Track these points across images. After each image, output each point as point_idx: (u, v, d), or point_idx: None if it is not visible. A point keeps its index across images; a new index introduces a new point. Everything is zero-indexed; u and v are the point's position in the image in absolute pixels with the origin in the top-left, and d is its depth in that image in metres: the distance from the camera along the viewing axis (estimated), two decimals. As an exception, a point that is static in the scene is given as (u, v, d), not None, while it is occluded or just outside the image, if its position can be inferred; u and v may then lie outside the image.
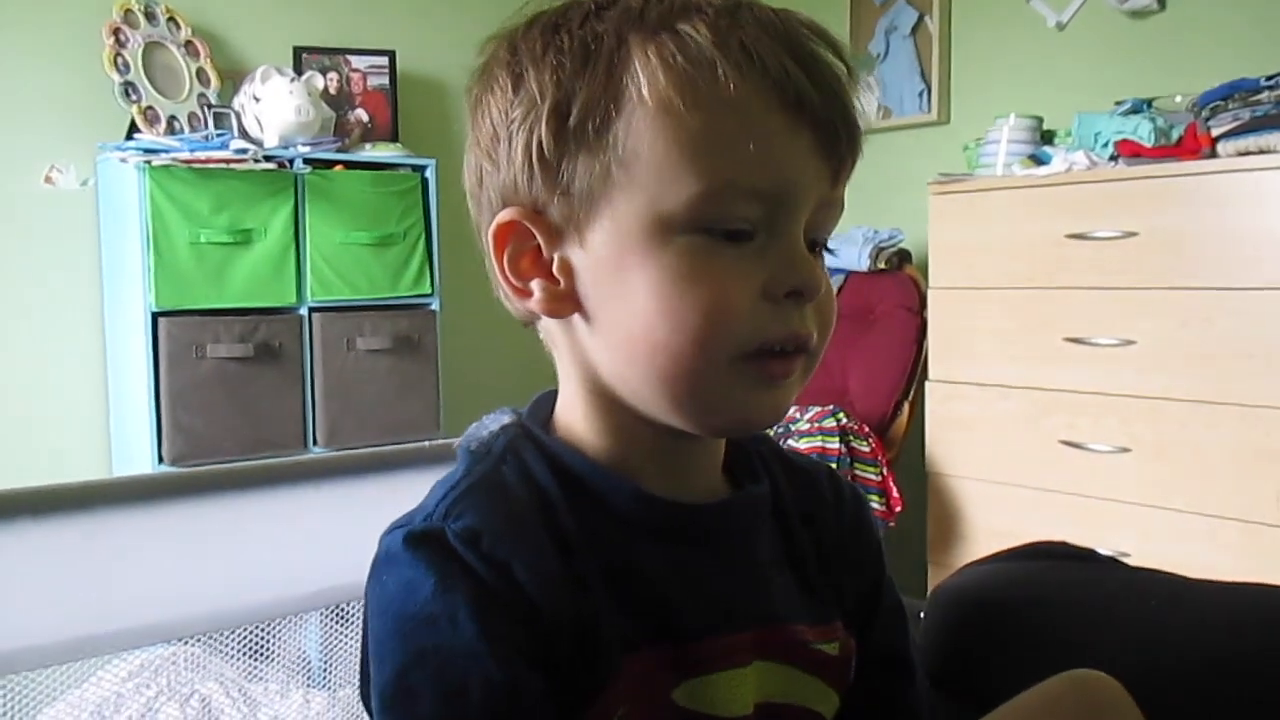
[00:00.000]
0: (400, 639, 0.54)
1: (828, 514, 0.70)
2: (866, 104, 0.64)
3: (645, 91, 0.55)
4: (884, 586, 0.73)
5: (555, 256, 0.59)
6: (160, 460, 2.54)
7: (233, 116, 2.78)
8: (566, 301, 0.60)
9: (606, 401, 0.61)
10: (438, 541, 0.55)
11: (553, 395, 0.66)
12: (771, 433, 0.74)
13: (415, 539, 0.55)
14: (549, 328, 0.63)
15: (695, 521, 0.62)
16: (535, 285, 0.60)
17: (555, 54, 0.58)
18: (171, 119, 2.76)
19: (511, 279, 0.61)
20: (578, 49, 0.57)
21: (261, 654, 1.19)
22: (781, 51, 0.56)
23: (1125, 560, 1.19)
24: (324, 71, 2.99)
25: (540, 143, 0.57)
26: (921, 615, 1.00)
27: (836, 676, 0.66)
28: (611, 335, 0.59)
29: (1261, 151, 2.22)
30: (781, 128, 0.56)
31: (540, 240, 0.59)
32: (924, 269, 2.83)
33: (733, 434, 0.64)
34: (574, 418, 0.63)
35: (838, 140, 0.57)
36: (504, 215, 0.60)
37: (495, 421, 0.64)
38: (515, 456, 0.61)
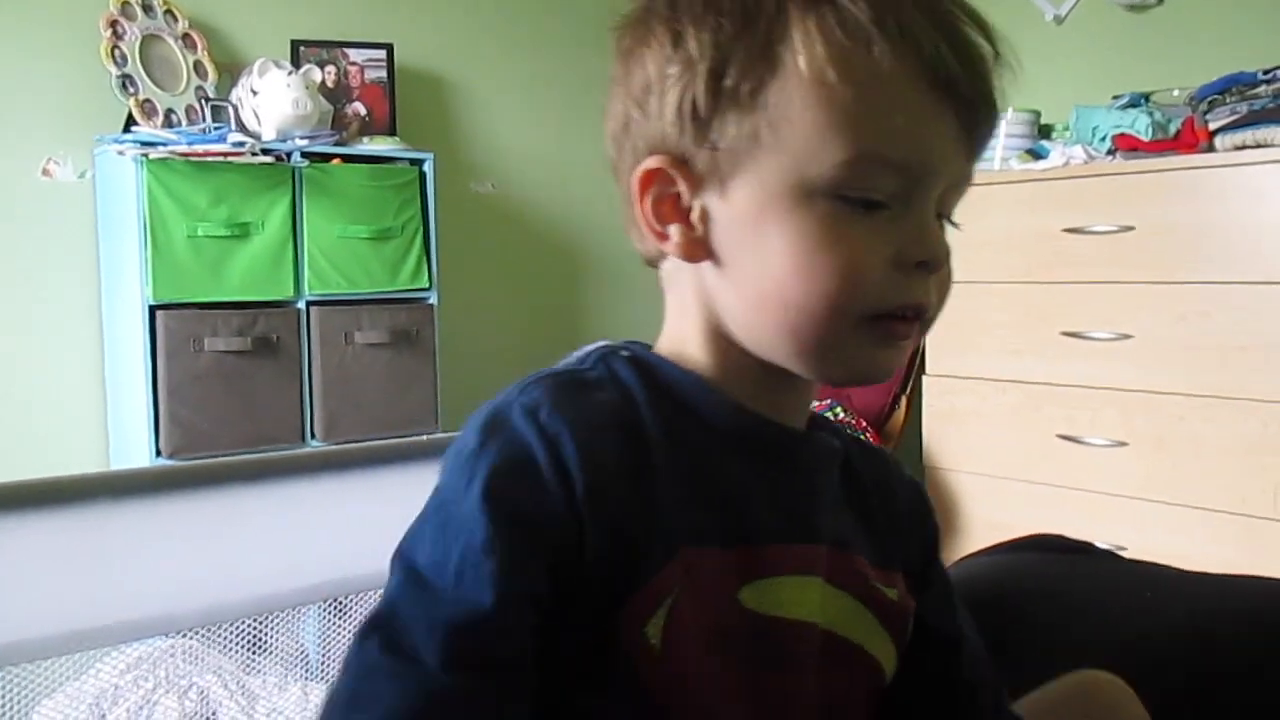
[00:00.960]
0: (434, 493, 0.59)
1: (892, 485, 0.74)
2: (1009, 85, 0.68)
3: (801, 61, 0.58)
4: (934, 566, 0.75)
5: (695, 204, 0.62)
6: (158, 454, 2.54)
7: (230, 109, 2.78)
8: (701, 247, 0.63)
9: (722, 340, 0.64)
10: (500, 414, 0.59)
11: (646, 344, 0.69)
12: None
13: (485, 412, 0.60)
14: (673, 269, 0.66)
15: (782, 440, 0.66)
16: (673, 229, 0.63)
17: (715, 15, 0.60)
18: (169, 112, 2.75)
19: (651, 221, 0.64)
20: (738, 13, 0.59)
21: (259, 647, 1.19)
22: (934, 32, 0.58)
23: (1122, 553, 1.19)
24: (321, 65, 2.98)
25: (695, 100, 0.60)
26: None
27: (895, 625, 0.68)
28: (743, 284, 0.62)
29: (1259, 145, 2.22)
30: (928, 105, 0.58)
31: (682, 188, 0.62)
32: (922, 263, 2.83)
33: (849, 384, 0.66)
34: (679, 349, 0.66)
35: (979, 121, 0.60)
36: (650, 162, 0.63)
37: (589, 348, 0.67)
38: (603, 363, 0.64)
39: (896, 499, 0.73)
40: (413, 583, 0.55)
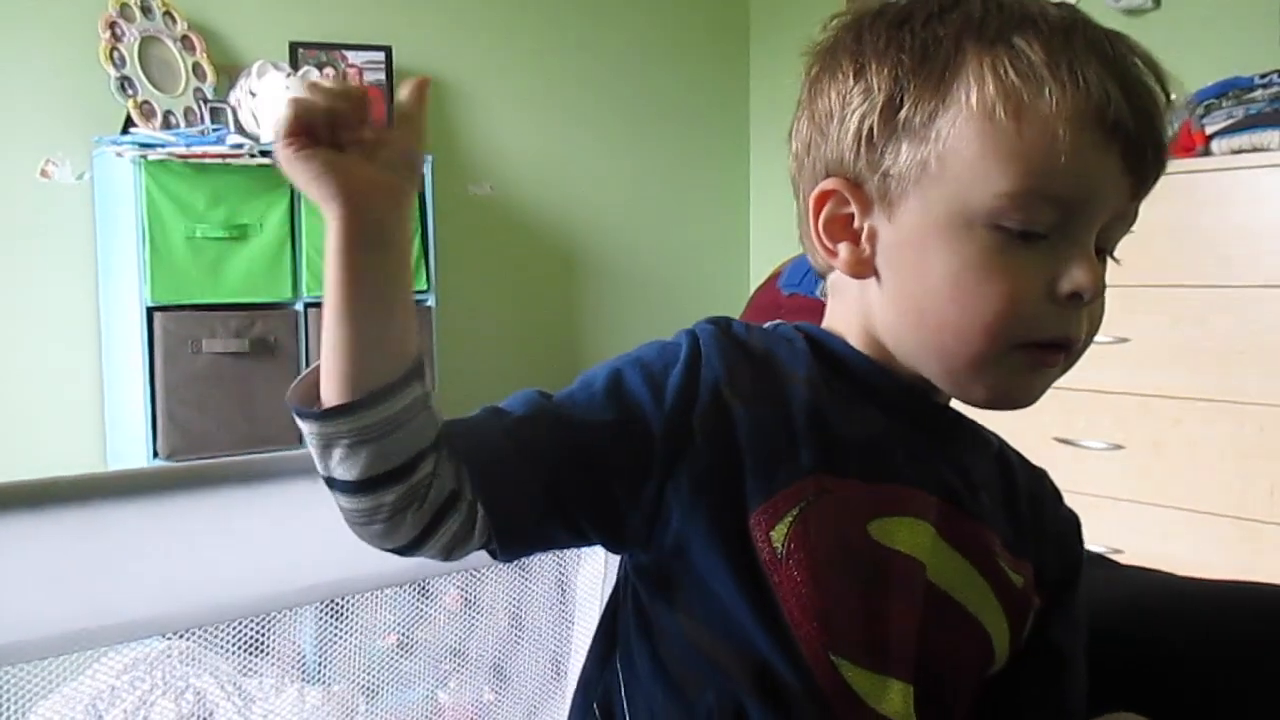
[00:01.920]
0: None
1: (1046, 503, 0.78)
2: (1178, 124, 0.73)
3: (973, 97, 0.62)
4: (1074, 592, 0.77)
5: (865, 225, 0.67)
6: (155, 455, 2.54)
7: (229, 111, 2.78)
8: (867, 266, 0.68)
9: (878, 346, 0.70)
10: (671, 337, 0.69)
11: None
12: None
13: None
14: (839, 281, 0.72)
15: (928, 406, 0.71)
16: (842, 248, 0.68)
17: (897, 50, 0.65)
18: (167, 113, 2.75)
19: (824, 238, 0.69)
20: (918, 49, 0.64)
21: (256, 649, 1.19)
22: (1107, 75, 0.61)
23: (1118, 557, 1.20)
24: (320, 67, 2.98)
25: (872, 128, 0.65)
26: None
27: (1015, 608, 0.70)
28: (902, 302, 0.67)
29: (1255, 149, 2.22)
30: (1093, 145, 0.61)
31: (855, 209, 0.67)
32: (919, 266, 2.83)
33: (988, 406, 0.69)
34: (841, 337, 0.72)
35: (1145, 163, 0.64)
36: (827, 184, 0.68)
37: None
38: (774, 327, 0.72)
39: (1047, 513, 0.77)
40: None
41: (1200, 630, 0.96)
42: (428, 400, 0.62)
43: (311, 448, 0.62)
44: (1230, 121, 2.31)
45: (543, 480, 0.63)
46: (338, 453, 0.60)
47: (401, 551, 0.64)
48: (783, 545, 0.63)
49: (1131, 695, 0.84)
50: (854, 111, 0.65)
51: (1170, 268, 2.30)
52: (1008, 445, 0.78)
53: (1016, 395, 0.67)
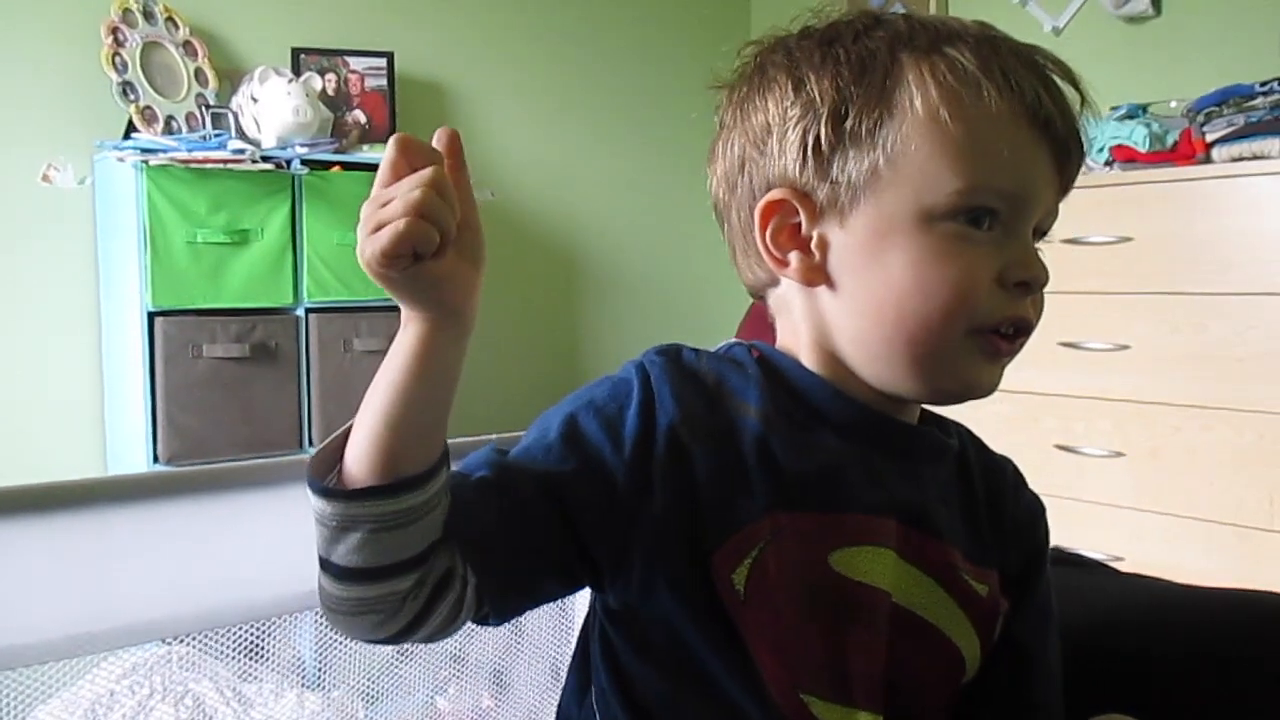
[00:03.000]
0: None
1: (1006, 496, 0.79)
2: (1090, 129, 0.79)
3: (917, 103, 0.65)
4: (1038, 585, 0.78)
5: (814, 233, 0.69)
6: (155, 460, 2.54)
7: (230, 117, 2.78)
8: (819, 273, 0.69)
9: (832, 360, 0.71)
10: (622, 370, 0.70)
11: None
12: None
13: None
14: (786, 294, 0.73)
15: (885, 426, 0.71)
16: (793, 256, 0.70)
17: (834, 64, 0.67)
18: (169, 119, 2.75)
19: (772, 249, 0.70)
20: (855, 62, 0.67)
21: (255, 654, 1.19)
22: (1034, 79, 0.66)
23: (1118, 564, 1.20)
24: (322, 72, 2.99)
25: (818, 137, 0.67)
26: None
27: (982, 619, 0.72)
28: (861, 304, 0.68)
29: (1256, 157, 2.23)
30: (1029, 142, 0.66)
31: (803, 218, 0.69)
32: (920, 273, 2.83)
33: (954, 400, 0.71)
34: (794, 356, 0.72)
35: (1070, 157, 0.68)
36: (774, 194, 0.69)
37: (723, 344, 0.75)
38: (727, 350, 0.73)
39: (1006, 507, 0.78)
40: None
41: (1198, 637, 0.96)
42: (448, 484, 0.62)
43: (322, 528, 0.59)
44: (1231, 129, 2.31)
45: (529, 538, 0.64)
46: (355, 537, 0.58)
47: (386, 640, 0.63)
48: (744, 587, 0.64)
49: (1130, 700, 0.84)
50: (795, 124, 0.67)
51: (1170, 275, 2.30)
52: (970, 438, 0.79)
53: (977, 382, 0.69)
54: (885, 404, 0.71)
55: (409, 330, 0.59)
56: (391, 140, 0.56)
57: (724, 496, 0.65)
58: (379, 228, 0.54)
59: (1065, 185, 0.69)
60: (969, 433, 0.80)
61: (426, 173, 0.55)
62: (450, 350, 0.60)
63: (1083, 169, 0.72)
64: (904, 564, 0.69)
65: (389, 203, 0.55)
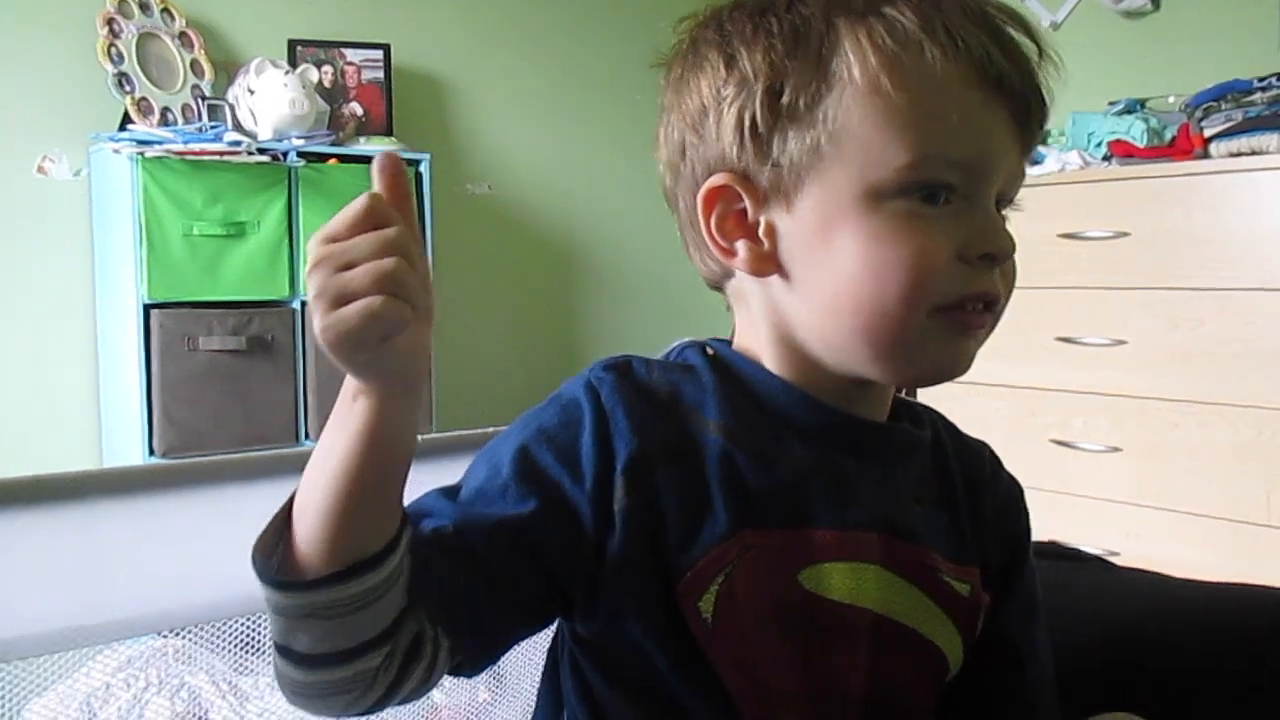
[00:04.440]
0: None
1: (985, 482, 0.74)
2: (1055, 80, 0.69)
3: (855, 72, 0.60)
4: (1021, 575, 0.74)
5: (761, 219, 0.64)
6: (151, 452, 2.54)
7: (227, 109, 2.78)
8: (769, 262, 0.64)
9: (793, 351, 0.66)
10: (569, 387, 0.65)
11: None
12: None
13: (562, 387, 0.66)
14: (741, 286, 0.68)
15: (851, 428, 0.66)
16: (740, 245, 0.64)
17: (766, 36, 0.62)
18: (165, 110, 2.75)
19: (718, 238, 0.65)
20: (788, 32, 0.61)
21: (251, 647, 1.19)
22: (981, 33, 0.60)
23: (1115, 559, 1.20)
24: (319, 64, 2.98)
25: (754, 117, 0.61)
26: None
27: (964, 618, 0.68)
28: (814, 293, 0.63)
29: (1254, 152, 2.22)
30: (981, 103, 0.60)
31: (748, 204, 0.64)
32: (917, 267, 2.83)
33: (926, 383, 0.67)
34: (753, 357, 0.68)
35: (1030, 115, 0.62)
36: (715, 180, 0.64)
37: (676, 343, 0.70)
38: (683, 354, 0.69)
39: (986, 496, 0.73)
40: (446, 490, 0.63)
41: (1195, 632, 0.96)
42: (409, 546, 0.56)
43: (279, 617, 0.54)
44: (1229, 124, 2.31)
45: (499, 592, 0.60)
46: (317, 625, 0.53)
47: (361, 714, 0.58)
48: (712, 613, 0.61)
49: (1126, 695, 0.84)
50: (730, 104, 0.62)
51: (1168, 270, 2.30)
52: (944, 425, 0.74)
53: (947, 363, 0.64)
54: (854, 398, 0.66)
55: (359, 406, 0.51)
56: (365, 197, 0.49)
57: (688, 522, 0.61)
58: (342, 301, 0.47)
59: (1027, 146, 0.63)
60: (942, 419, 0.75)
61: (391, 233, 0.48)
62: (408, 419, 0.52)
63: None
64: (885, 573, 0.65)
65: (350, 266, 0.47)
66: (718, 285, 0.70)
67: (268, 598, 0.53)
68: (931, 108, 0.59)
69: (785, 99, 0.61)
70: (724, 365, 0.67)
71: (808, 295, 0.63)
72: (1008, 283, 0.64)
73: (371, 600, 0.54)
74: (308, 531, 0.53)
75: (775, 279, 0.65)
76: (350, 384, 0.51)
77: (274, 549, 0.53)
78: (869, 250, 0.60)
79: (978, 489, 0.73)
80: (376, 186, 0.50)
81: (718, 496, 0.62)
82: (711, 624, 0.61)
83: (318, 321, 0.47)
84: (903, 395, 0.73)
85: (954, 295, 0.61)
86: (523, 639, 0.66)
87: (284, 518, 0.54)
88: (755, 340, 0.68)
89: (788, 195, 0.62)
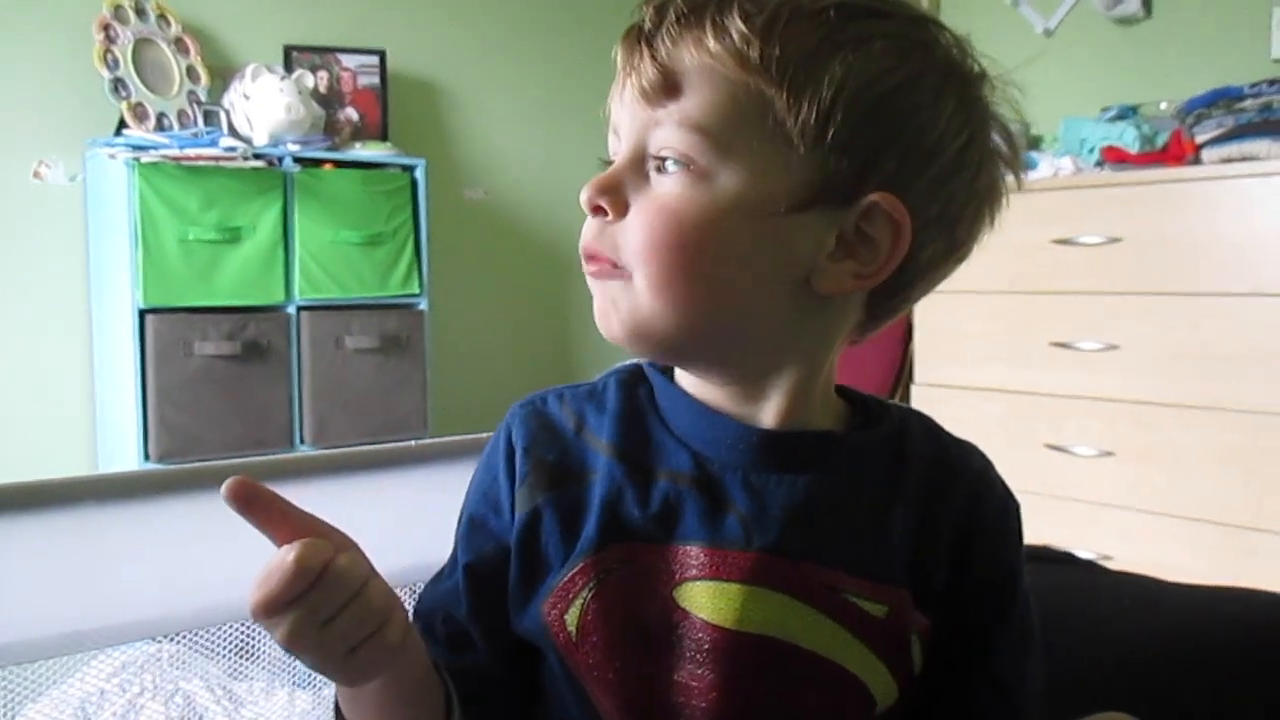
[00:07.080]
0: None
1: (950, 500, 0.67)
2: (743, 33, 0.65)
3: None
4: (1013, 616, 0.68)
5: None
6: (146, 457, 2.53)
7: (222, 114, 2.78)
8: None
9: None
10: (505, 421, 0.70)
11: None
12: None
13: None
14: None
15: (741, 438, 0.64)
16: None
17: None
18: (161, 116, 2.75)
19: None
20: None
21: (246, 652, 1.19)
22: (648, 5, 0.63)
23: (1108, 563, 1.20)
24: (314, 70, 2.98)
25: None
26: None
27: (883, 641, 0.63)
28: None
29: (1245, 158, 2.24)
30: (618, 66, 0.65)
31: None
32: (911, 272, 2.84)
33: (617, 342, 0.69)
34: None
35: (633, 49, 0.64)
36: None
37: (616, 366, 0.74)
38: (607, 377, 0.72)
39: (948, 514, 0.66)
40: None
41: (1187, 634, 0.96)
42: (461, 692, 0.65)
43: None
44: (1220, 131, 2.32)
45: (521, 668, 0.67)
46: None
47: None
48: (577, 627, 0.62)
49: (1119, 697, 0.84)
50: None
51: (1160, 275, 2.31)
52: (924, 432, 0.69)
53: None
54: (751, 404, 0.65)
55: (355, 691, 0.62)
56: (289, 557, 0.54)
57: (565, 540, 0.64)
58: (309, 644, 0.54)
59: (637, 79, 0.64)
60: (926, 424, 0.70)
61: (333, 583, 0.54)
62: (417, 666, 0.61)
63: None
64: (771, 594, 0.62)
65: (319, 622, 0.54)
66: None
67: None
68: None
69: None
70: (634, 385, 0.69)
71: None
72: (630, 241, 0.63)
73: None
74: None
75: None
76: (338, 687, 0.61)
77: None
78: None
79: (936, 504, 0.66)
80: (246, 517, 0.57)
81: (593, 515, 0.64)
82: (575, 638, 0.62)
83: (298, 658, 0.55)
84: (891, 399, 0.70)
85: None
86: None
87: None
88: None
89: None
